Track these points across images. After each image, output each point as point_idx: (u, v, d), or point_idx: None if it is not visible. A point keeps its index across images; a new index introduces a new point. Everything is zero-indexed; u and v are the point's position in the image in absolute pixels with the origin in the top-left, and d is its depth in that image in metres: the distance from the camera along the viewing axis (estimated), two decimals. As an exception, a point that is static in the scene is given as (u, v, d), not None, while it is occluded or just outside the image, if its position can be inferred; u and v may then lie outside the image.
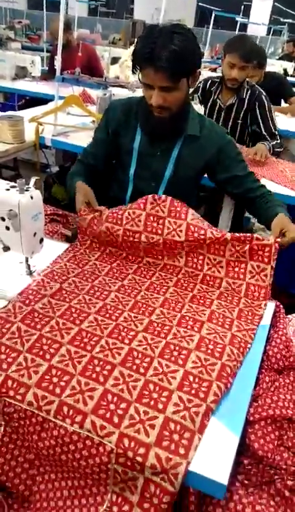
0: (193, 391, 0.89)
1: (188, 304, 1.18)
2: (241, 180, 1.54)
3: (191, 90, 1.48)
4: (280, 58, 8.01)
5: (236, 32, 7.54)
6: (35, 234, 1.13)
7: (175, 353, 0.98)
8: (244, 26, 9.93)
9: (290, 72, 6.99)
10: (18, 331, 0.99)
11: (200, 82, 2.72)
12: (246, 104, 2.56)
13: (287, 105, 3.77)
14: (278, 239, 1.24)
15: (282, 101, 3.81)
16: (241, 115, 2.61)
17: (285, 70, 6.71)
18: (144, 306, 1.15)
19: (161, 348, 1.00)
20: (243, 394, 0.94)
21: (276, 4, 12.99)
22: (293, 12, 11.84)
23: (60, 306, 1.09)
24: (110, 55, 5.31)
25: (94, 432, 0.80)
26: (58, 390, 0.86)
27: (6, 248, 1.15)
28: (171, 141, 1.51)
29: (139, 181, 1.58)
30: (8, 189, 1.08)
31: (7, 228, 1.10)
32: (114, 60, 5.17)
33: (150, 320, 1.10)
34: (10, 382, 0.88)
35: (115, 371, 0.91)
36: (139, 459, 0.77)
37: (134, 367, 0.93)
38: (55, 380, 0.88)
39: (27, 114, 2.74)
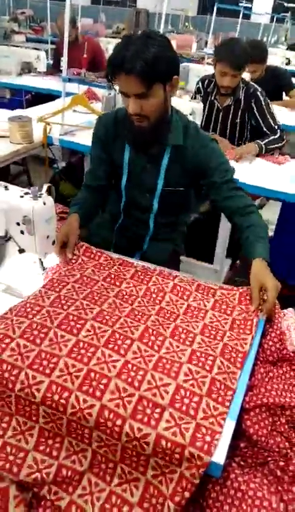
0: (184, 407, 0.92)
1: (182, 316, 1.20)
2: (219, 187, 1.48)
3: (183, 99, 1.47)
4: (289, 48, 7.95)
5: (239, 20, 7.51)
6: (48, 236, 1.22)
7: (168, 366, 1.01)
8: (247, 13, 9.84)
9: (293, 61, 6.98)
10: (17, 347, 1.01)
11: (198, 82, 2.78)
12: (242, 103, 2.59)
13: (287, 98, 3.80)
14: (260, 307, 1.23)
15: (283, 94, 3.84)
16: (239, 115, 2.64)
17: (288, 59, 6.70)
18: (140, 313, 1.17)
19: (155, 360, 1.02)
20: (239, 384, 1.03)
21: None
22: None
23: (58, 314, 1.10)
24: (113, 47, 5.35)
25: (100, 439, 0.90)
26: (61, 408, 0.92)
27: (21, 251, 1.24)
28: (158, 152, 1.50)
29: (132, 193, 1.59)
30: (22, 196, 1.17)
31: (22, 232, 1.19)
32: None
33: (146, 326, 1.12)
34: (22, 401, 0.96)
35: (111, 383, 0.94)
36: (142, 462, 0.87)
37: (129, 379, 0.96)
38: (56, 397, 0.93)
39: (34, 112, 2.82)
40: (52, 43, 5.50)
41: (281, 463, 0.98)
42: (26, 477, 0.92)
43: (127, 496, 0.90)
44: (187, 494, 0.86)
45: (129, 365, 0.99)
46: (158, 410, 0.91)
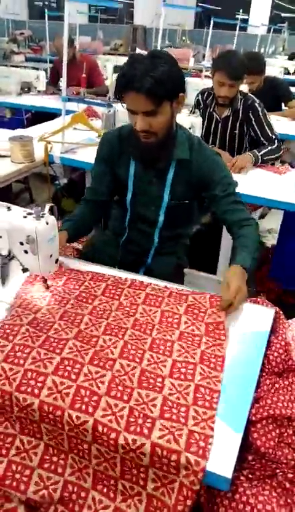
0: (174, 417, 0.94)
1: (157, 326, 1.21)
2: (219, 200, 1.52)
3: (180, 114, 1.47)
4: (291, 58, 8.01)
5: (236, 32, 7.59)
6: (51, 255, 1.24)
7: (151, 380, 1.02)
8: (244, 25, 9.96)
9: (291, 70, 7.05)
10: (3, 371, 1.01)
11: (197, 95, 2.81)
12: (240, 115, 2.61)
13: (287, 109, 3.83)
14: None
15: (282, 105, 3.88)
16: (238, 126, 2.66)
17: (286, 69, 6.76)
18: (117, 327, 1.18)
19: (138, 375, 1.03)
20: (245, 396, 1.03)
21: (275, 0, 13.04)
22: (293, 7, 11.85)
23: (38, 337, 1.10)
24: (112, 65, 5.43)
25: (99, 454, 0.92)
26: (59, 424, 0.93)
27: (25, 270, 1.26)
28: (164, 166, 1.53)
29: (137, 207, 1.61)
30: (25, 216, 1.19)
31: (26, 252, 1.21)
32: (117, 69, 5.28)
33: (125, 341, 1.12)
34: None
35: (101, 401, 0.95)
36: (142, 475, 0.89)
37: (118, 394, 0.97)
38: (51, 416, 0.94)
39: (35, 131, 2.87)
40: (51, 62, 5.59)
41: (290, 475, 0.98)
42: (33, 494, 0.93)
43: None
44: (189, 502, 0.86)
45: (117, 380, 1.00)
46: (149, 421, 0.92)
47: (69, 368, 1.01)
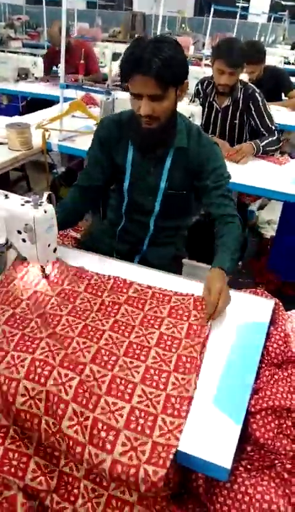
0: (139, 428, 0.92)
1: (137, 328, 1.18)
2: (209, 192, 1.51)
3: (181, 102, 1.45)
4: (293, 47, 7.94)
5: (237, 21, 7.52)
6: (49, 245, 1.22)
7: (121, 387, 1.00)
8: (244, 13, 9.86)
9: (291, 60, 6.99)
10: None
11: (197, 84, 2.79)
12: (241, 104, 2.60)
13: (287, 99, 3.80)
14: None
15: (282, 94, 3.84)
16: (238, 115, 2.65)
17: (287, 59, 6.71)
18: (94, 329, 1.15)
19: (108, 381, 1.01)
20: (244, 388, 1.03)
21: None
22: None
23: (13, 336, 1.08)
24: (111, 52, 5.37)
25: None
26: (36, 434, 0.96)
27: (23, 259, 1.24)
28: (162, 154, 1.51)
29: (134, 195, 1.59)
30: (23, 205, 1.17)
31: (24, 240, 1.19)
32: (115, 56, 5.22)
33: (98, 347, 1.09)
34: None
35: (68, 408, 0.93)
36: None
37: (84, 401, 0.95)
38: (28, 424, 0.95)
39: (32, 118, 2.83)
40: (48, 48, 5.52)
41: (288, 466, 0.98)
42: (31, 481, 0.93)
43: (127, 498, 0.91)
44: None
45: (85, 386, 0.97)
46: (113, 433, 0.90)
47: (39, 370, 0.99)
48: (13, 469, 0.94)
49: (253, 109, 2.58)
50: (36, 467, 0.95)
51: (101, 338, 1.12)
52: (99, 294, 1.28)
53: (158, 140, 1.45)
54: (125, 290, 1.31)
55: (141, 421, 0.93)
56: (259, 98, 2.57)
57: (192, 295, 1.31)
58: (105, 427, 0.91)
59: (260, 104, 2.57)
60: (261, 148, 2.51)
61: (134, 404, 0.97)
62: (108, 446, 0.88)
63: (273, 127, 2.60)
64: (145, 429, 0.91)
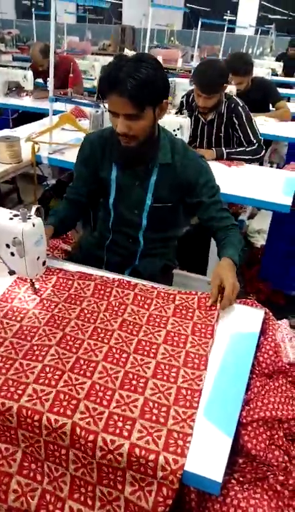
0: (154, 417, 0.94)
1: (144, 326, 1.21)
2: (207, 207, 1.53)
3: (170, 114, 1.48)
4: (278, 59, 8.07)
5: (224, 33, 7.63)
6: (38, 258, 1.22)
7: (134, 382, 1.03)
8: (232, 26, 10.01)
9: (278, 72, 7.08)
10: None
11: (183, 96, 2.83)
12: (225, 118, 2.64)
13: (274, 110, 3.85)
14: (218, 304, 1.28)
15: (270, 105, 3.89)
16: (223, 128, 2.69)
17: (273, 70, 6.79)
18: (103, 330, 1.18)
19: (121, 377, 1.04)
20: (235, 399, 1.02)
21: (262, 1, 13.12)
22: (280, 9, 11.94)
23: (22, 347, 1.10)
24: (100, 65, 5.42)
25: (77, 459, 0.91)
26: (36, 430, 0.93)
27: (12, 272, 1.24)
28: (146, 170, 1.51)
29: (120, 209, 1.59)
30: (11, 218, 1.17)
31: (12, 254, 1.19)
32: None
33: (109, 346, 1.13)
34: None
35: (80, 405, 0.95)
36: (119, 479, 0.88)
37: (98, 399, 0.97)
38: (29, 420, 0.94)
39: (22, 131, 2.84)
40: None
41: (281, 477, 0.97)
42: (13, 502, 0.93)
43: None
44: (169, 501, 0.86)
45: (97, 386, 1.01)
46: (129, 423, 0.93)
47: (49, 375, 1.01)
48: None
49: (237, 122, 2.63)
50: (18, 487, 0.94)
51: (111, 338, 1.16)
52: (106, 297, 1.31)
53: (137, 158, 1.46)
54: (130, 289, 1.34)
55: (155, 411, 0.96)
56: (243, 112, 2.62)
57: (196, 293, 1.34)
58: (121, 418, 0.94)
59: (244, 118, 2.62)
60: (225, 154, 2.58)
61: (147, 396, 1.00)
62: (125, 433, 0.90)
63: (255, 140, 2.64)
64: (160, 419, 0.94)
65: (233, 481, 0.97)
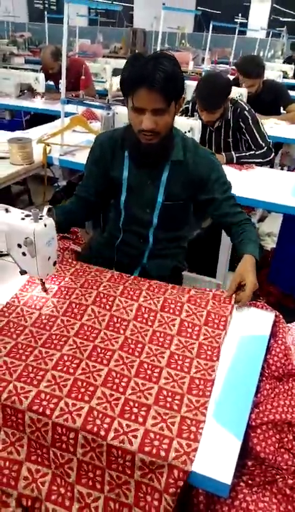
0: (168, 405, 0.98)
1: (159, 314, 1.25)
2: (220, 203, 1.55)
3: (176, 118, 1.47)
4: (285, 62, 8.07)
5: (235, 36, 7.62)
6: (49, 258, 1.22)
7: (149, 371, 1.07)
8: (243, 29, 10.01)
9: (290, 74, 7.06)
10: (4, 364, 1.06)
11: (188, 102, 2.83)
12: (232, 124, 2.65)
13: (285, 112, 3.84)
14: (233, 295, 1.34)
15: (281, 108, 3.88)
16: (231, 134, 2.69)
17: (285, 72, 6.78)
18: (119, 320, 1.22)
19: (136, 367, 1.08)
20: (244, 401, 1.02)
21: (274, 5, 13.09)
22: (292, 12, 11.90)
23: (41, 335, 1.15)
24: (111, 67, 5.44)
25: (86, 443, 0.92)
26: (48, 411, 0.94)
27: (23, 272, 1.24)
28: (159, 168, 1.52)
29: (132, 208, 1.60)
30: (23, 218, 1.17)
31: (24, 254, 1.19)
32: (116, 72, 5.29)
33: (125, 336, 1.17)
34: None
35: (97, 391, 1.00)
36: (128, 464, 0.89)
37: (114, 386, 1.01)
38: (45, 403, 0.96)
39: (34, 133, 2.86)
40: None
41: (290, 481, 0.96)
42: (24, 489, 0.95)
43: (123, 499, 0.92)
44: (180, 483, 0.86)
45: (113, 373, 1.05)
46: (144, 409, 0.97)
47: (68, 363, 1.06)
48: (5, 479, 0.95)
49: (244, 127, 2.63)
50: (28, 474, 0.96)
51: (127, 329, 1.20)
52: (122, 282, 1.37)
53: (158, 155, 1.47)
54: (143, 282, 1.39)
55: (169, 399, 1.00)
56: (249, 117, 2.62)
57: (211, 290, 1.38)
58: (137, 404, 0.98)
59: (251, 122, 2.62)
60: (234, 158, 2.59)
61: (161, 385, 1.04)
62: (140, 419, 0.94)
63: (263, 143, 2.64)
64: (174, 406, 0.98)
65: (241, 484, 0.96)
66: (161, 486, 0.88)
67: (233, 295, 1.35)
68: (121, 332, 1.18)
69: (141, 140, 1.40)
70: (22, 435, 0.98)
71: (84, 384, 1.01)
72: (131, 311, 1.25)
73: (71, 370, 1.04)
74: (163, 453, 0.87)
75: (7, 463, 0.97)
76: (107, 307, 1.26)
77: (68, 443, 0.94)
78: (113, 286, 1.34)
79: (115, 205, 1.66)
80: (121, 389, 1.01)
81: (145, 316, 1.24)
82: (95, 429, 0.91)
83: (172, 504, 0.86)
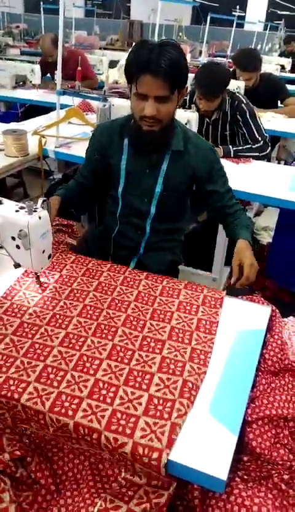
0: (158, 414, 0.94)
1: (148, 323, 1.22)
2: (221, 196, 1.58)
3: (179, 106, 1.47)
4: (281, 55, 8.04)
5: (233, 29, 7.57)
6: (44, 251, 1.21)
7: (139, 379, 1.03)
8: (240, 22, 9.94)
9: (287, 68, 7.03)
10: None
11: (186, 94, 2.81)
12: (229, 116, 2.64)
13: (283, 106, 3.82)
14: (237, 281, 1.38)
15: (278, 102, 3.86)
16: (228, 127, 2.68)
17: (282, 66, 6.75)
18: (107, 327, 1.18)
19: (126, 375, 1.04)
20: (240, 396, 1.01)
21: (272, -3, 13.03)
22: (290, 5, 11.82)
23: (23, 344, 1.10)
24: (108, 59, 5.40)
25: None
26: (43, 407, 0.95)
27: (17, 265, 1.23)
28: (158, 157, 1.52)
29: (130, 198, 1.60)
30: (17, 211, 1.16)
31: (18, 247, 1.18)
32: (112, 64, 5.24)
33: (113, 344, 1.13)
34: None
35: (83, 403, 0.95)
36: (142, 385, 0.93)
37: (101, 397, 0.97)
38: (31, 421, 0.96)
39: (29, 125, 2.83)
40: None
41: (286, 476, 0.96)
42: (26, 401, 0.95)
43: (132, 412, 0.94)
44: (194, 393, 0.98)
45: (100, 384, 1.01)
46: (132, 420, 0.92)
47: (52, 376, 1.02)
48: (10, 393, 0.97)
49: (241, 120, 2.62)
50: (34, 390, 0.98)
51: (115, 336, 1.15)
52: (110, 292, 1.33)
53: (158, 143, 1.46)
54: (134, 288, 1.36)
55: (160, 407, 0.96)
56: (246, 109, 2.61)
57: (202, 291, 1.36)
58: (124, 416, 0.93)
59: (248, 115, 2.61)
60: (232, 151, 2.58)
61: (152, 392, 0.99)
62: (128, 431, 0.90)
63: (260, 137, 2.63)
64: (164, 414, 0.94)
65: (237, 479, 0.96)
66: (175, 396, 0.97)
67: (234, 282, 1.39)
68: (110, 337, 1.14)
69: (142, 126, 1.40)
70: (38, 363, 1.05)
71: (68, 398, 0.97)
72: (120, 320, 1.21)
73: (55, 383, 1.00)
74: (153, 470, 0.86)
75: (16, 382, 0.99)
76: (94, 317, 1.21)
77: (91, 367, 1.04)
78: (114, 276, 1.37)
79: (112, 196, 1.65)
80: (108, 400, 0.97)
81: (135, 323, 1.21)
82: (93, 441, 0.90)
83: None
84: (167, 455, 0.85)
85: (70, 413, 0.93)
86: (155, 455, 0.85)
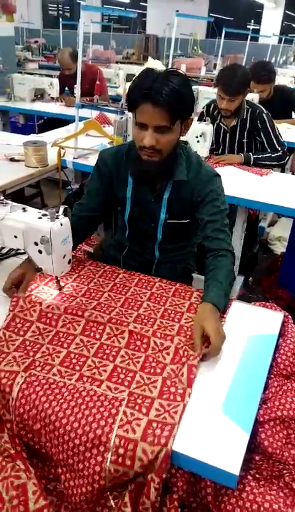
0: (171, 396, 1.03)
1: (159, 320, 1.30)
2: (204, 225, 1.47)
3: (182, 137, 1.43)
4: None
5: (248, 43, 7.66)
6: (64, 256, 1.26)
7: (153, 364, 1.13)
8: (255, 35, 10.04)
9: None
10: (13, 359, 1.11)
11: (204, 107, 2.88)
12: (248, 124, 2.69)
13: (297, 117, 3.86)
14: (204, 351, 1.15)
15: (292, 114, 3.90)
16: (246, 134, 2.73)
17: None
18: (118, 322, 1.25)
19: (142, 362, 1.14)
20: (253, 397, 1.04)
21: (287, 11, 13.12)
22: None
23: (48, 332, 1.20)
24: (124, 73, 5.51)
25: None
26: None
27: (38, 269, 1.29)
28: (161, 186, 1.49)
29: (137, 224, 1.59)
30: (40, 218, 1.22)
31: (40, 252, 1.24)
32: (129, 77, 5.35)
33: (129, 330, 1.23)
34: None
35: (102, 385, 1.05)
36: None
37: (119, 380, 1.07)
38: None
39: (48, 136, 2.92)
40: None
41: (297, 476, 0.99)
42: (39, 358, 1.11)
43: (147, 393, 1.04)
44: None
45: (119, 369, 1.11)
46: (148, 401, 1.02)
47: (74, 361, 1.13)
48: (25, 352, 1.13)
49: (261, 128, 2.67)
50: (45, 349, 1.15)
51: (120, 353, 1.18)
52: (124, 293, 1.42)
53: (158, 173, 1.43)
54: (148, 289, 1.45)
55: (172, 389, 1.05)
56: (266, 119, 2.66)
57: (190, 296, 1.42)
58: (141, 396, 1.03)
59: (268, 124, 2.66)
60: (252, 159, 2.63)
61: (132, 390, 1.05)
62: (144, 410, 0.99)
63: (279, 147, 2.68)
64: (142, 409, 0.99)
65: (249, 477, 0.99)
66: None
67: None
68: (113, 354, 1.16)
69: (142, 156, 1.37)
70: (52, 329, 1.22)
71: (90, 380, 1.07)
72: (131, 317, 1.29)
73: (77, 368, 1.10)
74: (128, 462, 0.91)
75: (31, 344, 1.17)
76: (123, 292, 1.39)
77: (97, 331, 1.22)
78: (114, 297, 1.38)
79: (120, 222, 1.66)
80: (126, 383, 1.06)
81: (145, 320, 1.29)
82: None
83: None
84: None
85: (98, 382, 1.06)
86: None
